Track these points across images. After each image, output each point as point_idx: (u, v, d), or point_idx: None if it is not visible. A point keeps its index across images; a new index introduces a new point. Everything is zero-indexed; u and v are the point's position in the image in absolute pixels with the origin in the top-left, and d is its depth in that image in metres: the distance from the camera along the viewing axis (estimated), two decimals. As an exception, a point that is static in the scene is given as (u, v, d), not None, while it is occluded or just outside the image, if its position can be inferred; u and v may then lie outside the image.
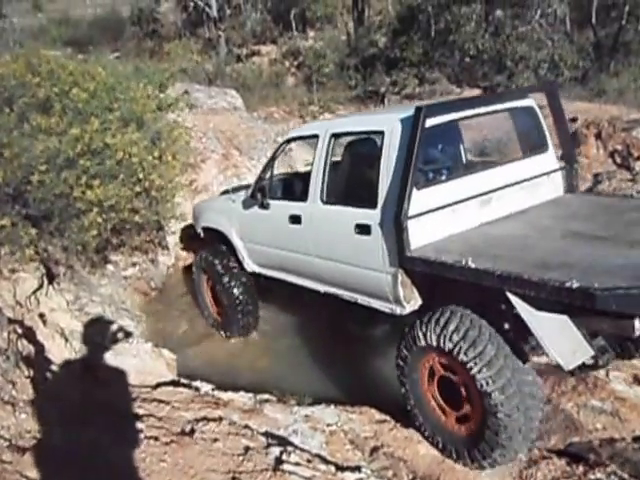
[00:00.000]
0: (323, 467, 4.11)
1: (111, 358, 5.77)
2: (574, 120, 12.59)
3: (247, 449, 4.19)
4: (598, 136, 11.83)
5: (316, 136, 5.80)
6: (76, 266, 7.07)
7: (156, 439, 4.19)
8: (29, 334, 5.43)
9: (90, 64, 7.09)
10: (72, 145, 5.59)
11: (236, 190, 7.33)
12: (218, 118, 10.84)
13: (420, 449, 4.57)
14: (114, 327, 6.42)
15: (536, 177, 5.39)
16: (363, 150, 5.55)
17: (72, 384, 5.10)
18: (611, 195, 6.30)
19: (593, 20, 15.13)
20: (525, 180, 5.32)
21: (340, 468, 4.16)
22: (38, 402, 4.21)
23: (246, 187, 7.10)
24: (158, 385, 5.49)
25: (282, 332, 7.15)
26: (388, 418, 5.02)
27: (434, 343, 4.41)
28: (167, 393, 5.24)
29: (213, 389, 5.58)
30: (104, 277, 7.59)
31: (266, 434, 4.55)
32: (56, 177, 5.54)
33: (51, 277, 6.65)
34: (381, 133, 4.99)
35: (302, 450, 4.34)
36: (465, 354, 4.18)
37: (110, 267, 7.79)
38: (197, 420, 4.61)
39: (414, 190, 4.65)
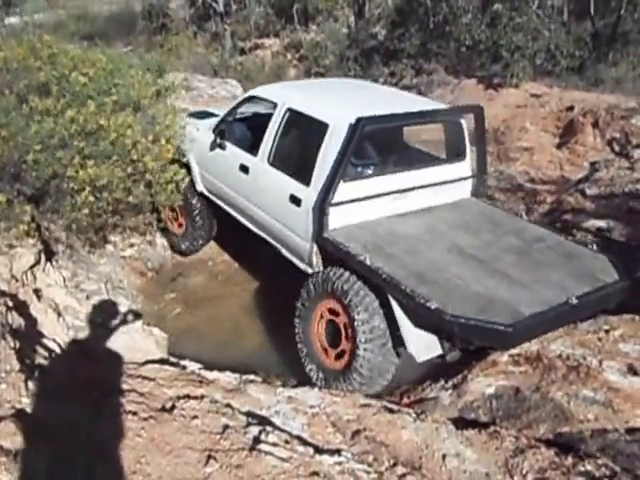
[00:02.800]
0: (301, 449, 3.87)
1: (101, 334, 5.55)
2: (571, 109, 12.24)
3: (226, 427, 3.97)
4: (595, 124, 11.57)
5: (275, 105, 6.35)
6: (76, 245, 6.92)
7: (135, 414, 3.96)
8: (22, 308, 5.20)
9: (91, 51, 6.79)
10: (67, 126, 5.47)
11: (201, 116, 7.90)
12: (217, 105, 10.56)
13: (403, 434, 4.31)
14: (107, 304, 6.19)
15: (452, 180, 6.14)
16: (310, 130, 5.90)
17: (60, 358, 4.88)
18: (505, 210, 6.76)
19: (591, 10, 14.69)
20: (442, 182, 6.05)
21: (319, 450, 3.93)
22: (22, 374, 3.93)
23: (210, 115, 7.77)
24: (146, 362, 5.23)
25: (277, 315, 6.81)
26: (373, 402, 4.78)
27: (328, 289, 5.34)
28: (153, 370, 4.99)
29: (200, 368, 5.34)
30: (103, 256, 7.40)
31: (247, 414, 4.33)
32: (51, 156, 5.40)
33: (50, 254, 6.46)
34: (326, 126, 5.60)
35: (282, 431, 4.10)
36: (350, 300, 5.12)
37: (109, 247, 7.58)
38: (179, 397, 4.39)
39: (341, 182, 5.43)
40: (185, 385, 4.65)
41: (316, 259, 5.70)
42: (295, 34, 17.52)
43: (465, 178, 6.30)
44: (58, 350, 4.98)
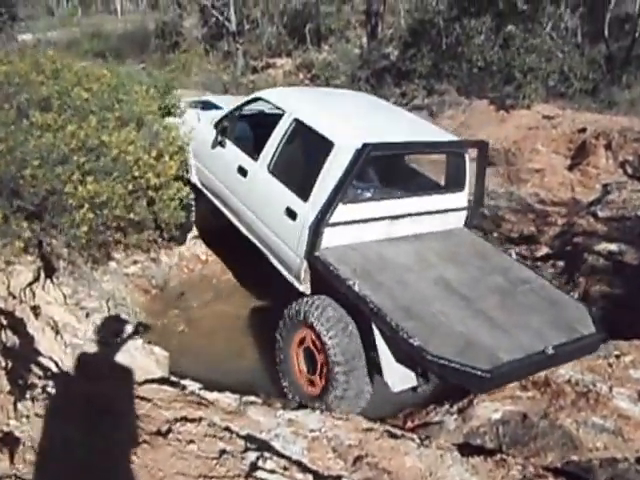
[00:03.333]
0: (300, 476, 3.75)
1: (100, 353, 5.44)
2: (583, 131, 12.13)
3: (223, 452, 3.86)
4: (608, 147, 11.46)
5: (282, 112, 6.23)
6: (78, 261, 6.78)
7: (130, 437, 3.86)
8: (18, 326, 5.11)
9: (97, 66, 6.75)
10: (67, 141, 5.42)
11: (204, 106, 8.08)
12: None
13: (407, 461, 4.18)
14: (108, 322, 6.08)
15: (449, 210, 6.19)
16: (315, 146, 5.76)
17: (56, 377, 4.74)
18: (494, 246, 6.58)
19: (606, 33, 14.63)
20: (438, 211, 6.09)
21: (319, 477, 3.80)
22: (11, 395, 3.81)
23: (213, 106, 7.92)
24: (145, 382, 5.12)
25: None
26: (375, 426, 4.65)
27: (309, 322, 5.33)
28: (152, 390, 4.87)
29: (200, 388, 5.22)
30: (106, 273, 7.26)
31: (246, 437, 4.22)
32: (50, 172, 5.34)
33: (51, 271, 6.36)
34: (332, 145, 5.48)
35: (281, 456, 3.98)
36: (329, 338, 5.14)
37: (113, 264, 7.45)
38: (176, 420, 4.28)
39: (340, 204, 5.36)
40: (183, 407, 4.55)
41: (304, 275, 5.68)
42: (307, 54, 17.56)
43: (461, 209, 6.33)
44: (54, 369, 4.89)
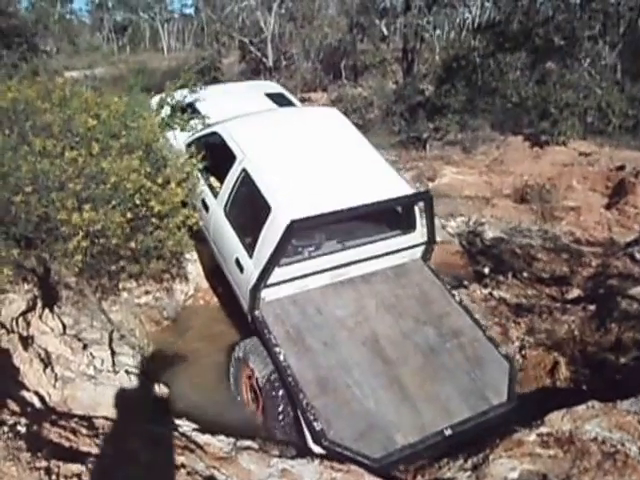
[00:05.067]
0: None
1: (90, 387, 5.11)
2: (621, 168, 11.56)
3: None
4: (648, 185, 10.79)
5: (234, 156, 6.36)
6: (85, 290, 6.48)
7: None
8: (3, 357, 4.83)
9: (107, 94, 6.62)
10: (62, 168, 5.22)
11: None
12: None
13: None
14: (105, 355, 5.77)
15: (402, 249, 6.42)
16: (258, 202, 5.85)
17: (38, 414, 4.41)
18: (442, 284, 6.52)
19: (646, 70, 14.06)
20: (389, 252, 6.31)
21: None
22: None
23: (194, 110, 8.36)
24: (133, 421, 4.77)
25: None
26: (377, 480, 4.17)
27: (243, 360, 5.91)
28: (137, 432, 4.48)
29: (193, 429, 4.85)
30: (116, 304, 6.99)
31: (230, 490, 3.75)
32: (45, 198, 5.15)
33: (52, 299, 6.10)
34: (270, 209, 5.62)
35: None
36: (257, 375, 5.64)
37: (124, 294, 7.17)
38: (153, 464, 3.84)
39: (276, 268, 5.55)
40: (167, 449, 4.18)
41: (251, 319, 5.95)
42: (342, 89, 17.38)
43: (416, 245, 6.51)
44: (38, 404, 4.59)
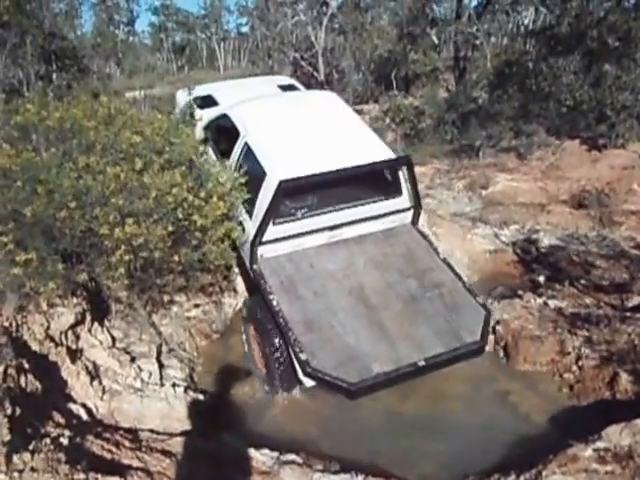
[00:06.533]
0: None
1: (136, 400, 5.12)
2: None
3: None
4: None
5: (238, 133, 7.11)
6: (136, 304, 6.54)
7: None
8: (52, 370, 4.88)
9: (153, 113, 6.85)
10: (107, 183, 5.30)
11: (203, 104, 9.51)
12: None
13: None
14: (153, 368, 5.79)
15: (389, 213, 6.98)
16: (256, 171, 6.52)
17: (82, 426, 4.44)
18: (430, 243, 7.08)
19: None
20: (377, 216, 6.89)
21: None
22: (5, 447, 3.51)
23: (213, 102, 9.35)
24: (179, 434, 4.74)
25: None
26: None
27: (252, 316, 6.52)
28: (180, 444, 4.47)
29: (238, 442, 4.77)
30: (166, 317, 7.03)
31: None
32: (89, 213, 5.24)
33: (102, 313, 6.18)
34: (265, 175, 6.29)
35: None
36: (258, 326, 6.32)
37: (174, 308, 7.22)
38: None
39: (270, 225, 6.12)
40: (207, 463, 4.12)
41: (253, 274, 6.49)
42: (394, 99, 17.18)
43: (404, 210, 7.05)
44: (85, 416, 4.62)
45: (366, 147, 6.99)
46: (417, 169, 13.40)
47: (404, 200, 7.02)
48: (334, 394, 5.52)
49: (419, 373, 5.56)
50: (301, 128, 7.13)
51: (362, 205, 6.77)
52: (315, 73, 20.43)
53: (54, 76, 12.39)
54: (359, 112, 19.91)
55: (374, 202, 6.85)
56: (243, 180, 6.55)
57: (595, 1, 13.46)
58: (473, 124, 14.24)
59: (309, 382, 5.64)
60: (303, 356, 5.39)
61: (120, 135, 5.70)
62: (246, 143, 6.87)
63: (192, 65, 38.99)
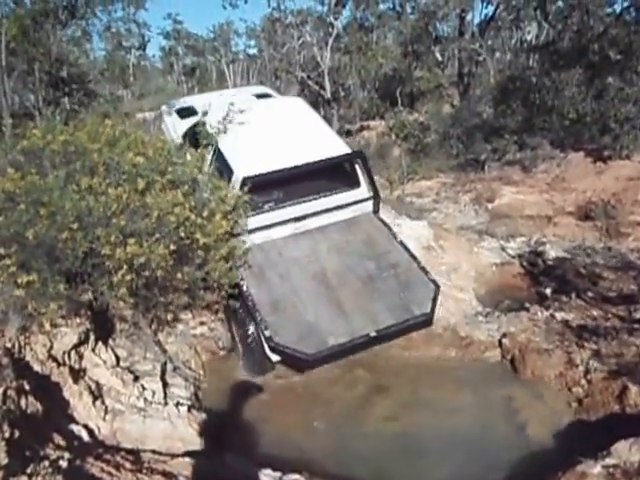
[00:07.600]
0: None
1: (139, 420, 5.02)
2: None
3: None
4: None
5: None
6: (141, 323, 6.47)
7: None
8: (53, 390, 4.80)
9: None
10: (108, 204, 5.28)
11: (183, 113, 10.32)
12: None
13: None
14: (157, 387, 5.69)
15: (350, 203, 7.54)
16: (226, 170, 7.08)
17: (83, 448, 4.35)
18: (390, 229, 7.54)
19: None
20: (338, 206, 7.44)
21: None
22: (6, 468, 3.43)
23: (192, 112, 9.65)
24: (181, 454, 4.64)
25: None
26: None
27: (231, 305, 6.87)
28: (182, 465, 4.39)
29: (242, 461, 4.66)
30: (171, 335, 6.95)
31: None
32: (90, 234, 5.18)
33: (106, 332, 6.10)
34: (232, 172, 6.90)
35: None
36: (232, 312, 6.96)
37: (180, 326, 7.14)
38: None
39: None
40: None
41: None
42: (399, 115, 17.18)
43: (364, 200, 7.59)
44: (87, 437, 4.53)
45: (324, 145, 7.55)
46: (423, 183, 13.49)
47: (363, 191, 7.58)
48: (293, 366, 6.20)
49: (371, 344, 6.11)
50: (266, 131, 7.72)
51: (324, 197, 7.34)
52: (322, 91, 20.50)
53: (64, 100, 12.46)
54: (365, 128, 20.02)
55: (335, 194, 7.42)
56: (247, 198, 6.50)
57: (595, 15, 13.42)
58: (478, 138, 14.21)
59: (274, 357, 6.19)
60: (267, 333, 5.92)
61: (123, 156, 5.69)
62: (217, 147, 7.45)
63: (202, 86, 39.17)
